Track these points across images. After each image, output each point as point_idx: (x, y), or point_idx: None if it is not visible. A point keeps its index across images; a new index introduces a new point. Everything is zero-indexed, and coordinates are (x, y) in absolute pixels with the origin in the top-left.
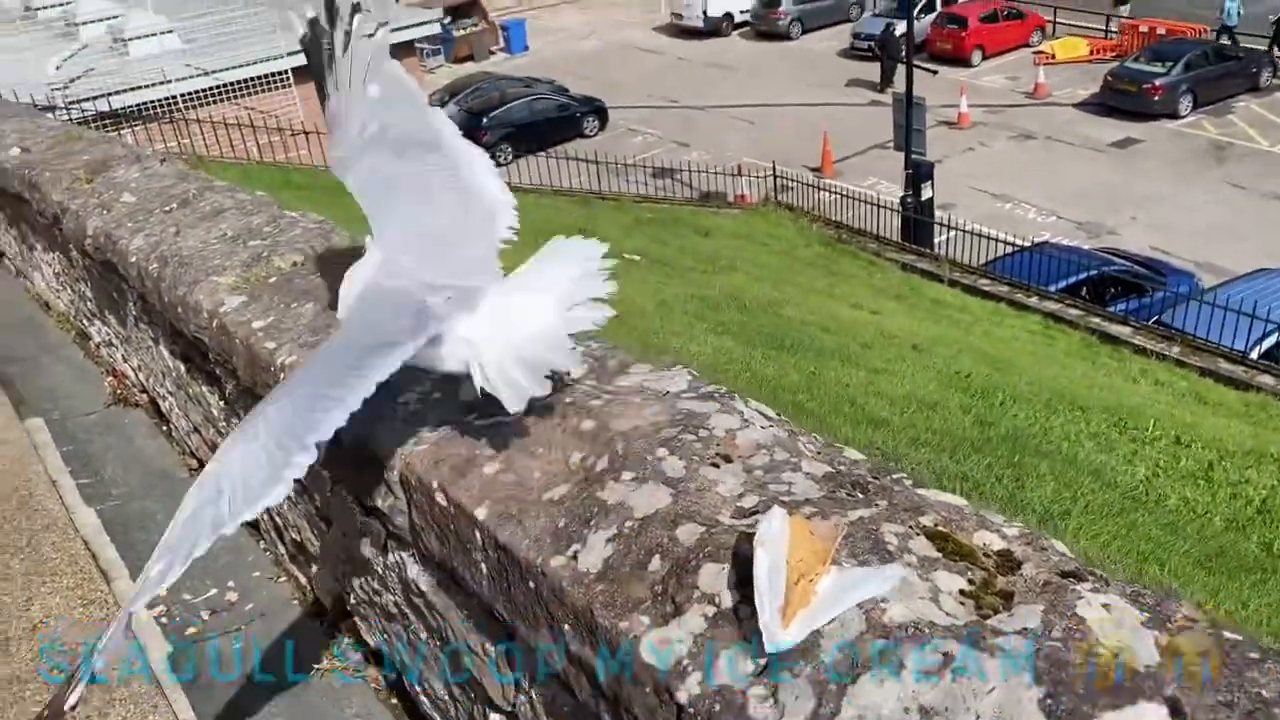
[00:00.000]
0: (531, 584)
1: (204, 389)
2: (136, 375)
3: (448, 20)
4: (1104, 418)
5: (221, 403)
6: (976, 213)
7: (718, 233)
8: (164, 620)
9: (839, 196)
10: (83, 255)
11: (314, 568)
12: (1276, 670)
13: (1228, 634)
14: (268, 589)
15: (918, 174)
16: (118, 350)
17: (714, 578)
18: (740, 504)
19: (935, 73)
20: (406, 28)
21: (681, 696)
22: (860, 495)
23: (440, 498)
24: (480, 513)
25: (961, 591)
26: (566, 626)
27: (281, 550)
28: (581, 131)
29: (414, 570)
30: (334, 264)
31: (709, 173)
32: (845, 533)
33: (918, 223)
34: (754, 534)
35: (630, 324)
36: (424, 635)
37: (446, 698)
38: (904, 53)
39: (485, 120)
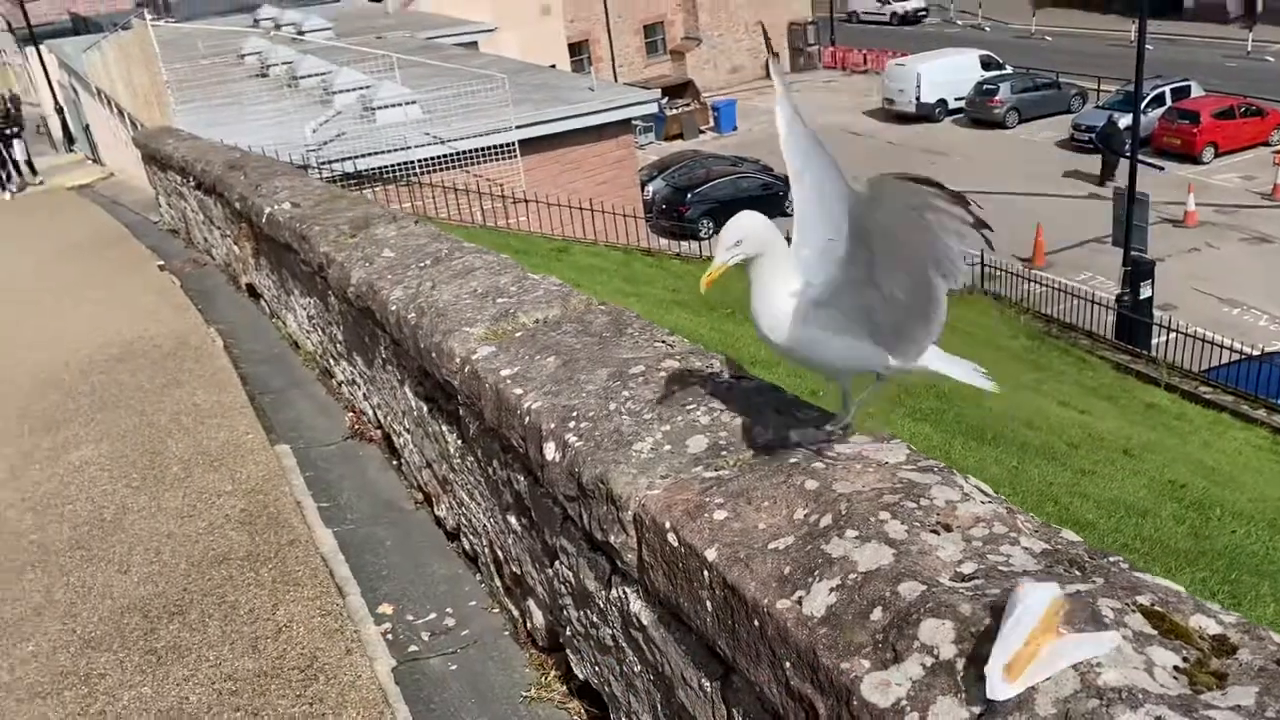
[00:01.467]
0: (756, 622)
1: (444, 428)
2: (375, 413)
3: (664, 100)
4: None
5: (460, 441)
6: (1200, 316)
7: None
8: (389, 637)
9: (1050, 289)
10: (342, 301)
11: (529, 601)
12: None
13: None
14: (482, 618)
15: (1137, 271)
16: (359, 389)
17: (934, 631)
18: (960, 570)
19: (1161, 169)
20: (626, 106)
21: None
22: (1078, 572)
23: (672, 538)
24: (710, 554)
25: (1175, 667)
26: (788, 664)
27: (498, 583)
28: (784, 210)
29: (637, 605)
30: (573, 324)
31: None
32: (1067, 608)
33: (1134, 322)
34: (1010, 590)
35: (825, 403)
36: (639, 668)
37: None
38: (1128, 146)
39: (690, 195)
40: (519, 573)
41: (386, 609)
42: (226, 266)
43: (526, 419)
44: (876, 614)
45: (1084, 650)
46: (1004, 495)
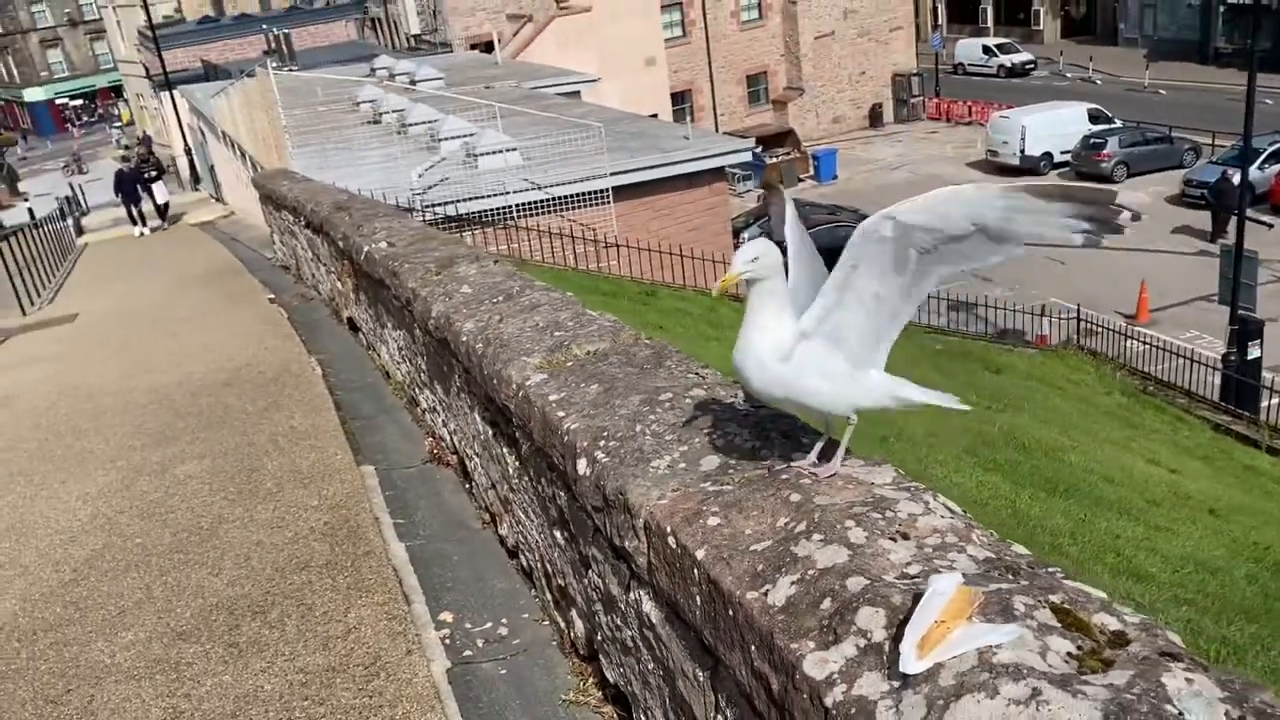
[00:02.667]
0: (731, 611)
1: (504, 450)
2: (451, 438)
3: (759, 149)
4: None
5: (517, 462)
6: None
7: (1010, 371)
8: (447, 642)
9: (1151, 347)
10: (424, 333)
11: (572, 611)
12: None
13: None
14: (532, 629)
15: (1244, 331)
16: (439, 416)
17: (869, 618)
18: (906, 570)
19: (1271, 226)
20: (718, 155)
21: (828, 701)
22: (1010, 576)
23: (671, 540)
24: (700, 554)
25: (1069, 654)
26: (753, 648)
27: (548, 597)
28: None
29: (648, 605)
30: (619, 355)
31: (1009, 310)
32: (982, 600)
33: (1240, 383)
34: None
35: (894, 449)
36: (651, 665)
37: None
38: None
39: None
40: (563, 584)
41: (447, 617)
42: (330, 301)
43: (565, 438)
44: (826, 604)
45: (990, 637)
46: (1065, 545)
